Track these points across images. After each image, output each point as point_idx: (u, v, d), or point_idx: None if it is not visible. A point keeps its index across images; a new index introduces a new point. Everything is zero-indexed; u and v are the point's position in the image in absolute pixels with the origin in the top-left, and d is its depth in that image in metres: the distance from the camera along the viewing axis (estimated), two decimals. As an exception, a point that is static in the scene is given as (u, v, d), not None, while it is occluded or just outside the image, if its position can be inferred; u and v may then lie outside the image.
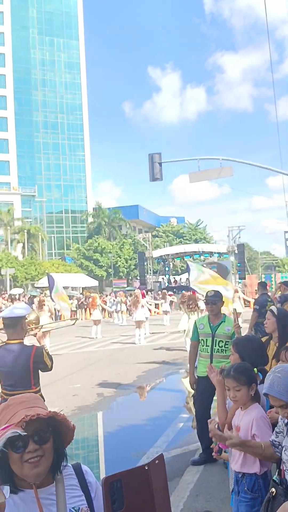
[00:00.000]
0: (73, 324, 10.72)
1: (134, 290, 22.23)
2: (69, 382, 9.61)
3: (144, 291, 18.99)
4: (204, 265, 16.73)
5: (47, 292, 37.83)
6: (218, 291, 5.31)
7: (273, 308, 4.41)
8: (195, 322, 5.40)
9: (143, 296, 16.83)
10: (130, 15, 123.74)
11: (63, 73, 73.17)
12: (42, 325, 5.48)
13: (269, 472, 2.64)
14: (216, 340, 4.96)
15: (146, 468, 1.37)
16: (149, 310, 18.73)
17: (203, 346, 5.06)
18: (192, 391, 5.45)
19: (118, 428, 6.83)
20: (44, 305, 13.63)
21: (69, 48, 73.99)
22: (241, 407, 2.75)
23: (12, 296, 30.77)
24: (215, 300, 5.08)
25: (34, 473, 1.37)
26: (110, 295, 34.08)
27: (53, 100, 72.02)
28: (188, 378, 5.73)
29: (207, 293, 5.27)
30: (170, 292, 25.83)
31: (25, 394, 1.52)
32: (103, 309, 22.73)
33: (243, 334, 4.35)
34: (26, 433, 1.30)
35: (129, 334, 17.83)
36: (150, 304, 22.07)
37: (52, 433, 1.43)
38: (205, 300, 5.24)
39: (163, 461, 1.44)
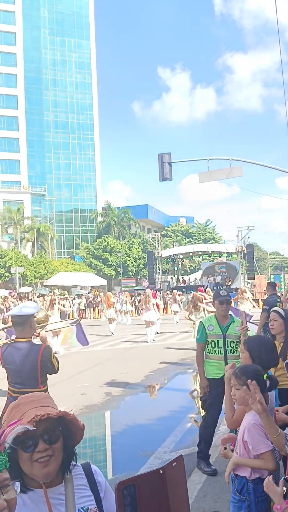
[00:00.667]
0: (77, 324, 10.50)
1: (145, 289, 22.34)
2: (77, 381, 9.64)
3: (154, 291, 19.10)
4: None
5: (56, 291, 37.93)
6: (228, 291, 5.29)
7: (278, 309, 4.38)
8: (201, 323, 5.19)
9: (154, 296, 16.97)
10: (140, 16, 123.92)
11: (74, 73, 73.40)
12: (45, 325, 5.49)
13: (263, 479, 2.60)
14: (227, 340, 4.90)
15: (161, 472, 1.32)
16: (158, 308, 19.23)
17: (214, 347, 4.95)
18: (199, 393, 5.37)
19: (126, 427, 6.84)
20: (55, 304, 13.76)
21: (80, 48, 74.19)
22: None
23: (21, 295, 30.99)
24: (228, 299, 5.03)
25: (43, 473, 1.36)
26: (117, 294, 34.21)
27: (63, 99, 72.29)
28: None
29: (219, 293, 5.16)
30: (179, 292, 25.80)
31: (35, 393, 1.51)
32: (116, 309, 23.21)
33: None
34: (35, 428, 1.30)
35: (138, 333, 17.85)
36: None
37: (62, 432, 1.42)
38: (217, 301, 5.10)
39: (182, 463, 1.36)
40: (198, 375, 5.31)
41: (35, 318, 3.94)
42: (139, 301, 25.98)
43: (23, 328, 3.72)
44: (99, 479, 1.53)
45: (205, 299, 12.04)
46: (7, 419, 1.42)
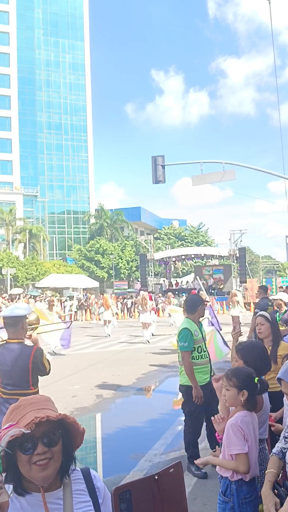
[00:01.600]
0: (68, 327, 10.61)
1: (137, 292, 22.50)
2: (68, 383, 9.60)
3: (150, 293, 19.25)
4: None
5: (48, 292, 37.67)
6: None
7: (264, 313, 4.40)
8: (187, 329, 4.88)
9: (150, 298, 17.24)
10: (134, 18, 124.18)
11: (68, 74, 73.34)
12: (36, 327, 5.46)
13: (248, 481, 2.60)
14: (204, 343, 4.98)
15: (156, 477, 1.32)
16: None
17: (200, 352, 4.92)
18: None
19: (117, 430, 6.82)
20: (54, 305, 13.78)
21: (74, 49, 74.18)
22: None
23: (12, 296, 30.80)
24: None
25: (42, 476, 1.35)
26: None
27: (57, 100, 72.18)
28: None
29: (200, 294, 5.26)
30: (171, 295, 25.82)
31: (36, 396, 1.51)
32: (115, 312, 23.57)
33: (243, 339, 4.34)
34: (29, 431, 1.29)
35: (132, 335, 17.82)
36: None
37: (62, 435, 1.41)
38: (201, 304, 5.12)
39: (180, 469, 1.35)
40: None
41: (27, 320, 3.93)
42: (133, 303, 25.96)
43: (15, 329, 3.71)
44: (98, 484, 1.51)
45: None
46: (6, 420, 1.40)
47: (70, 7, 74.60)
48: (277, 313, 7.23)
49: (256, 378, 2.71)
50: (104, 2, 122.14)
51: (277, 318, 6.82)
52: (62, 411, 1.41)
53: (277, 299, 8.37)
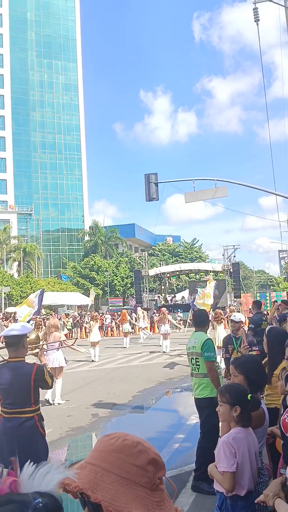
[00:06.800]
0: (73, 344, 10.74)
1: (132, 308, 22.86)
2: (64, 402, 9.53)
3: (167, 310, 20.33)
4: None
5: (43, 310, 37.34)
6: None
7: (267, 328, 4.48)
8: (211, 340, 5.17)
9: (160, 313, 19.41)
10: (124, 40, 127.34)
11: (61, 95, 74.30)
12: (42, 344, 5.52)
13: (243, 496, 2.61)
14: None
15: None
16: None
17: (198, 366, 5.04)
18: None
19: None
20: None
21: (67, 70, 75.30)
22: None
23: (7, 315, 30.59)
24: None
25: None
26: (106, 313, 33.99)
27: (50, 120, 72.95)
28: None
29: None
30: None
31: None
32: (133, 325, 24.53)
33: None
34: None
35: (127, 353, 17.74)
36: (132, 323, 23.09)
37: None
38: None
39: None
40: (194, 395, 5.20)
41: (27, 339, 3.98)
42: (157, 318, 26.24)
43: (16, 348, 3.75)
44: None
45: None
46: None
47: (63, 29, 76.00)
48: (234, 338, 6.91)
49: (249, 395, 2.73)
50: (95, 24, 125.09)
51: (235, 345, 6.58)
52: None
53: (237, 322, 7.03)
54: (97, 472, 0.89)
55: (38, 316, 23.99)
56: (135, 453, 0.91)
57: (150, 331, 29.60)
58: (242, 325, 7.13)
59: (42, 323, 15.00)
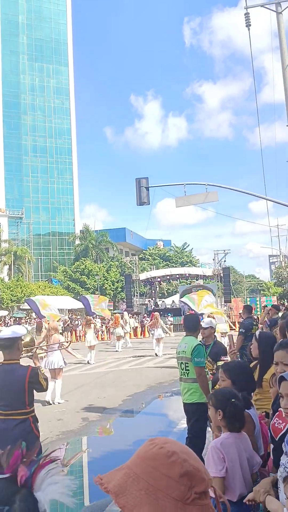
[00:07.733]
0: (67, 347, 11.06)
1: (120, 312, 22.94)
2: (54, 407, 9.52)
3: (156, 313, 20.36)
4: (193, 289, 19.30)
5: (33, 314, 37.30)
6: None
7: (257, 332, 4.52)
8: (201, 345, 5.12)
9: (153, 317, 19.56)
10: (115, 44, 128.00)
11: (52, 98, 74.31)
12: (36, 347, 5.54)
13: (235, 501, 2.56)
14: None
15: None
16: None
17: (187, 371, 5.05)
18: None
19: (103, 453, 6.78)
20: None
21: (58, 74, 75.37)
22: None
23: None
24: None
25: None
26: (96, 317, 33.79)
27: (42, 124, 72.88)
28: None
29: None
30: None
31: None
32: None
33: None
34: None
35: (117, 357, 17.73)
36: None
37: None
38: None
39: None
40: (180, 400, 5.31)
41: (22, 342, 4.00)
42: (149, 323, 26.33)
43: (11, 351, 3.77)
44: None
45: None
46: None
47: (54, 33, 76.10)
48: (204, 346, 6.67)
49: (233, 400, 2.70)
50: (87, 28, 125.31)
51: (205, 352, 6.18)
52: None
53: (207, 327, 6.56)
54: (129, 476, 0.87)
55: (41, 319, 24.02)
56: (168, 464, 0.86)
57: (141, 336, 29.65)
58: (212, 331, 6.48)
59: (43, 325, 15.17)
